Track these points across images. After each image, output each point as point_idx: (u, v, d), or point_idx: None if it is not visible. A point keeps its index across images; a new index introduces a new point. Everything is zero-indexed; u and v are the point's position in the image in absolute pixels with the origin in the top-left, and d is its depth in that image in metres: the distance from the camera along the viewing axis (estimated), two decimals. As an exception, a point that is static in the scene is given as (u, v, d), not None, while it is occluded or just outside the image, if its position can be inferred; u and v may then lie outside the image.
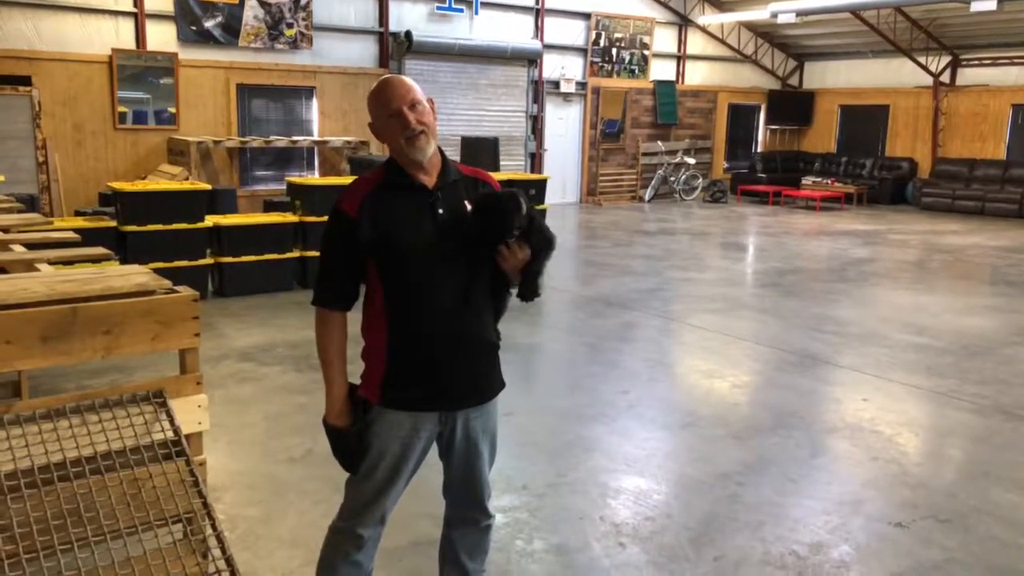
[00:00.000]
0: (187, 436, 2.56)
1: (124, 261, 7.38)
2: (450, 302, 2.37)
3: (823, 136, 19.98)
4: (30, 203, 8.60)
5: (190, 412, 2.65)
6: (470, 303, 2.40)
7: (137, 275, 2.82)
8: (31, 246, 4.25)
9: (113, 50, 11.87)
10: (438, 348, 2.38)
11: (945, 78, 17.40)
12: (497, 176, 8.19)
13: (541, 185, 10.47)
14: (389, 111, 2.33)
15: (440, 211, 2.36)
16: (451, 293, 2.36)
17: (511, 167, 15.49)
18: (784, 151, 20.17)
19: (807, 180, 18.41)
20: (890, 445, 4.71)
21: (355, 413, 2.44)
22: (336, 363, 2.42)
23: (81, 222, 7.63)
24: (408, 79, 2.40)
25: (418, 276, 2.34)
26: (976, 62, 17.08)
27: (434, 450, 2.56)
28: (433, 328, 2.37)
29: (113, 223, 7.73)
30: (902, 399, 5.52)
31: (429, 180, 2.39)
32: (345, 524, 2.52)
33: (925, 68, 17.11)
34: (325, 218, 2.43)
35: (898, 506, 3.95)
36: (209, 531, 2.35)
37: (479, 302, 2.44)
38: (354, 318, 2.47)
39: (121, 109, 12.05)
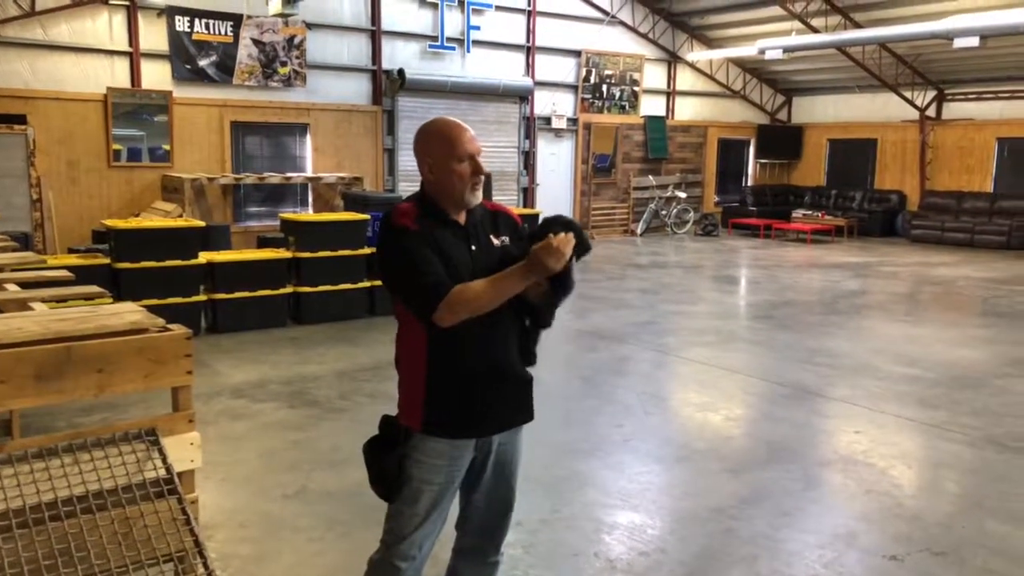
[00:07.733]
0: (179, 474, 2.56)
1: (118, 298, 7.38)
2: (489, 330, 2.43)
3: (813, 169, 20.17)
4: (24, 241, 8.62)
5: (183, 450, 2.64)
6: (507, 332, 2.50)
7: (130, 313, 2.83)
8: (25, 285, 4.26)
9: (108, 88, 11.97)
10: (479, 376, 2.45)
11: (931, 112, 17.63)
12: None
13: (534, 219, 10.55)
14: (461, 155, 2.39)
15: (473, 247, 2.45)
16: (489, 322, 2.40)
17: (504, 202, 15.56)
18: (774, 185, 20.35)
19: (797, 213, 18.56)
20: (884, 477, 4.71)
21: (395, 440, 2.46)
22: (495, 275, 2.34)
23: (75, 260, 7.64)
24: (463, 123, 2.47)
25: None
26: (961, 96, 17.33)
27: None
28: (474, 356, 2.43)
29: (107, 260, 7.74)
30: (895, 431, 5.53)
31: (460, 217, 2.47)
32: (382, 556, 2.54)
33: (911, 103, 17.35)
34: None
35: (893, 539, 3.94)
36: (201, 570, 2.33)
37: (514, 330, 2.53)
38: (387, 349, 2.48)
39: (115, 147, 12.11)
